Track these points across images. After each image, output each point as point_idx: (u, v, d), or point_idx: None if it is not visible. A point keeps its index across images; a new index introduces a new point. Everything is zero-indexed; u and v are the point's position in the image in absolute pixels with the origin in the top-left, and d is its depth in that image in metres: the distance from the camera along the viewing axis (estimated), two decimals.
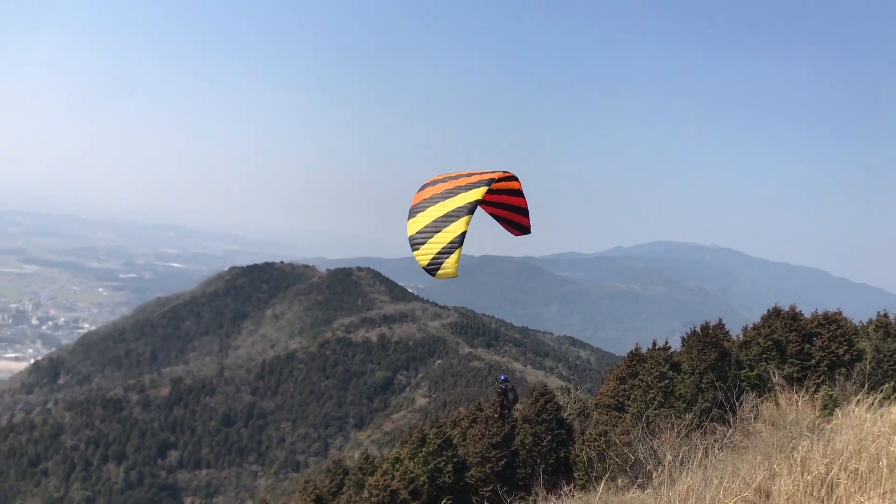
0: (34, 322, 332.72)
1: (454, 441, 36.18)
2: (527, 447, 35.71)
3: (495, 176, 18.67)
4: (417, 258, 15.43)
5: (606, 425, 31.90)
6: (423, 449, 35.39)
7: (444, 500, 31.20)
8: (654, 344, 34.58)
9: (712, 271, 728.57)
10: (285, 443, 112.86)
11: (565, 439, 36.27)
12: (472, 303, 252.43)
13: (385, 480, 32.24)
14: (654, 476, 14.17)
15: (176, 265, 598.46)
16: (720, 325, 30.95)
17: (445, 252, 15.25)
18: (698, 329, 30.75)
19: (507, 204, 21.48)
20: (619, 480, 16.78)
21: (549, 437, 35.56)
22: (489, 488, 33.57)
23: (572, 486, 21.50)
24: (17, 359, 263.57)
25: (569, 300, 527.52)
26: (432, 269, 15.05)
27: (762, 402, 21.89)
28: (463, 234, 15.06)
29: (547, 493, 21.56)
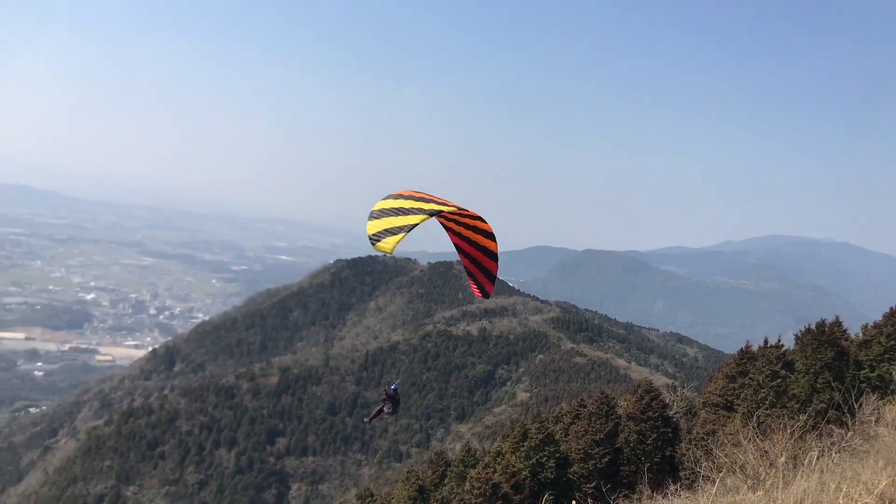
0: (152, 312, 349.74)
1: (556, 436, 35.99)
2: (631, 444, 35.18)
3: (464, 210, 19.92)
4: (368, 227, 18.03)
5: (714, 424, 31.03)
6: (525, 444, 35.38)
7: (546, 495, 31.11)
8: (766, 342, 33.38)
9: (828, 266, 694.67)
10: (388, 433, 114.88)
11: (671, 438, 35.52)
12: (575, 297, 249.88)
13: (487, 474, 32.41)
14: (765, 478, 13.71)
15: (284, 258, 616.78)
16: (837, 323, 29.56)
17: (391, 232, 17.78)
18: (813, 327, 29.47)
19: (478, 261, 22.71)
20: (729, 481, 16.32)
21: (655, 435, 34.90)
22: (592, 485, 33.25)
23: (678, 485, 21.01)
24: (136, 346, 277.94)
25: (675, 295, 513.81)
26: (373, 240, 17.61)
27: (885, 405, 20.81)
28: (413, 226, 17.82)
29: (652, 492, 21.14)
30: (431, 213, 18.45)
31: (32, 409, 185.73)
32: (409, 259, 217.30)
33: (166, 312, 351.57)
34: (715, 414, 32.16)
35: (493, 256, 21.37)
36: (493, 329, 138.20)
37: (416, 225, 18.19)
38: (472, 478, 32.61)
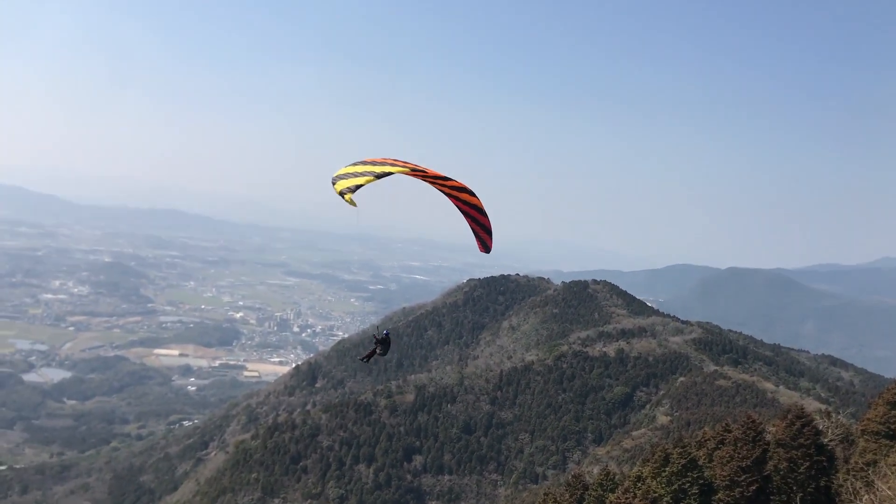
0: (295, 329, 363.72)
1: (700, 462, 34.49)
2: (781, 473, 33.20)
3: (427, 171, 23.57)
4: (335, 187, 22.29)
5: (875, 454, 28.86)
6: (667, 469, 34.10)
7: None
8: None
9: None
10: (524, 454, 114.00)
11: (826, 467, 33.25)
12: (718, 318, 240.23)
13: (627, 499, 31.46)
14: None
15: (419, 277, 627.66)
16: None
17: (350, 190, 22.05)
18: None
19: (472, 215, 26.01)
20: None
21: (807, 463, 32.78)
22: None
23: None
24: (280, 363, 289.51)
25: (828, 316, 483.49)
26: (341, 193, 21.76)
27: None
28: (367, 181, 21.99)
29: None
30: (381, 175, 22.65)
31: (186, 422, 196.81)
32: (543, 278, 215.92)
33: (308, 330, 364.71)
34: (875, 443, 29.94)
35: (484, 213, 26.04)
36: (632, 350, 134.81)
37: (369, 181, 22.39)
38: (611, 502, 31.76)
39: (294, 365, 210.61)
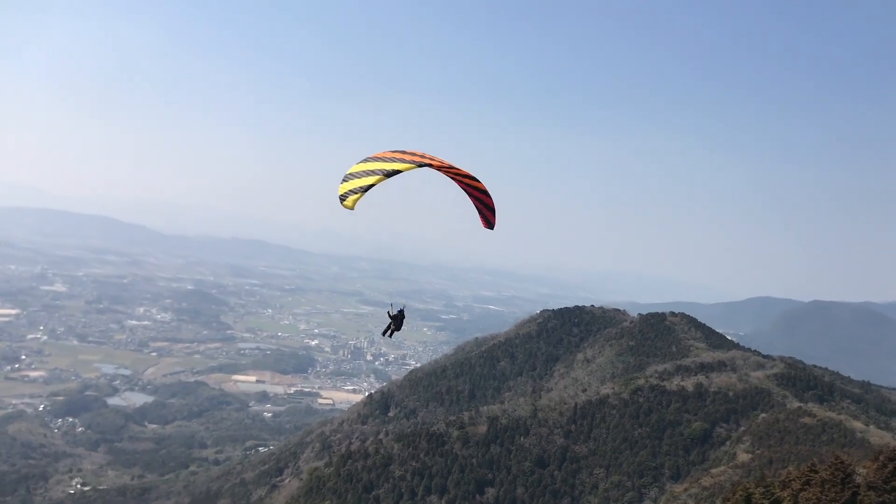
0: (368, 358, 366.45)
1: (783, 503, 33.00)
2: None
3: (437, 161, 26.33)
4: (339, 189, 23.94)
5: None
6: None
7: None
8: None
9: None
10: (598, 489, 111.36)
11: None
12: (801, 353, 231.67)
13: None
14: None
15: (492, 307, 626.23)
16: None
17: (354, 192, 23.51)
18: None
19: (476, 195, 28.69)
20: None
21: None
22: None
23: None
24: (354, 391, 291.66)
25: None
26: (341, 199, 23.34)
27: None
28: (371, 185, 23.69)
29: None
30: (388, 174, 24.50)
31: (261, 448, 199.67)
32: (619, 310, 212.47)
33: (381, 359, 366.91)
34: None
35: (489, 194, 29.07)
36: (711, 384, 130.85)
37: (374, 185, 24.06)
38: None
39: (367, 393, 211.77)
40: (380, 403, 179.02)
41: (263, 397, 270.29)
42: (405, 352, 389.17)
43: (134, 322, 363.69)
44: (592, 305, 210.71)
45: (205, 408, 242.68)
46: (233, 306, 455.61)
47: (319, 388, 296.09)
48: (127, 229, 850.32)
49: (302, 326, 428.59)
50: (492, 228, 30.50)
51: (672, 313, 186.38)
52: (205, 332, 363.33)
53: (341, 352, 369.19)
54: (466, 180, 28.23)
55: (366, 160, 25.04)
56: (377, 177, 23.75)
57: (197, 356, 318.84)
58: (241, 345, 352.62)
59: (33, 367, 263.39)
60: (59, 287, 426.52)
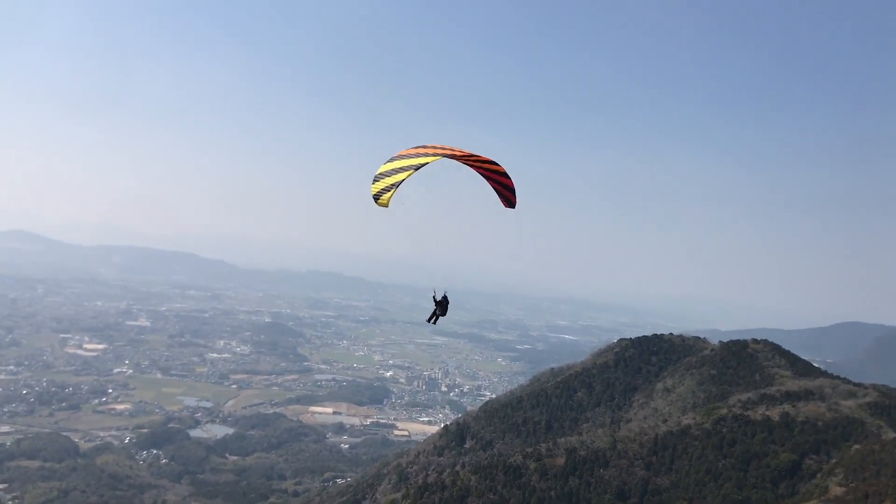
0: (443, 389, 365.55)
1: None
2: None
3: (460, 152, 28.10)
4: (372, 189, 25.28)
5: None
6: None
7: None
8: None
9: None
10: None
11: None
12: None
13: None
14: None
15: (567, 336, 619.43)
16: None
17: (387, 190, 24.69)
18: None
19: (494, 178, 30.28)
20: None
21: None
22: None
23: None
24: (429, 422, 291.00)
25: None
26: (374, 198, 24.61)
27: None
28: (402, 181, 24.74)
29: None
30: (417, 167, 25.65)
31: (339, 480, 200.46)
32: (699, 338, 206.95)
33: (456, 390, 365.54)
34: None
35: (508, 176, 30.74)
36: (798, 414, 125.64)
37: (404, 180, 25.23)
38: None
39: (443, 425, 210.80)
40: (456, 435, 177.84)
41: (340, 429, 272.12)
42: (480, 383, 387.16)
43: (215, 355, 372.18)
44: (671, 333, 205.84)
45: (283, 439, 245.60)
46: (309, 338, 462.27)
47: (395, 419, 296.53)
48: (208, 265, 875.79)
49: (377, 357, 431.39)
50: (513, 207, 32.08)
51: (754, 340, 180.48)
52: (282, 364, 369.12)
53: (416, 383, 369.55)
54: (486, 165, 29.82)
55: (391, 160, 26.64)
56: (407, 172, 25.23)
57: (275, 388, 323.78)
58: (318, 376, 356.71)
59: (119, 400, 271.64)
60: (144, 322, 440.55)
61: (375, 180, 25.42)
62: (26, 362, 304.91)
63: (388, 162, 26.53)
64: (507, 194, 31.66)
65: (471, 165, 29.75)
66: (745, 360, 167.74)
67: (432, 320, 36.55)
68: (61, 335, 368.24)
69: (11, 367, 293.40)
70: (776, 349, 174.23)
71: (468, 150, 28.81)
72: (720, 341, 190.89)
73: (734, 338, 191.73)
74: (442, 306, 35.56)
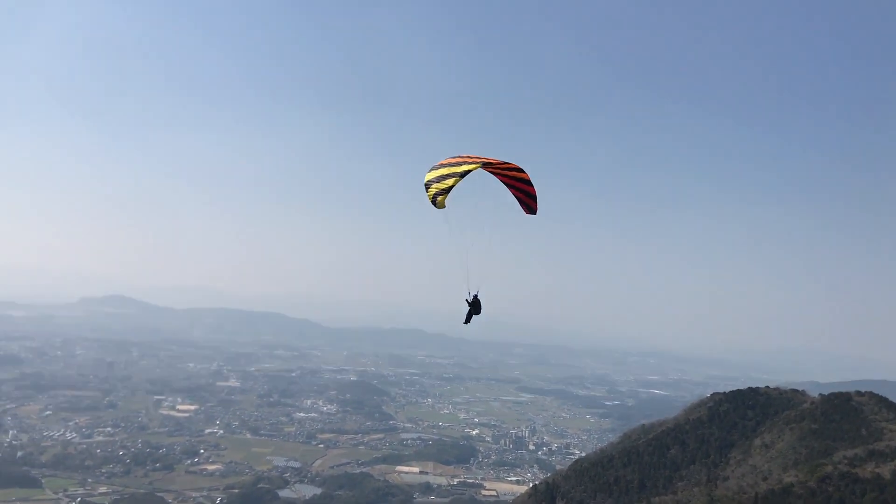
0: (531, 447, 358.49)
1: None
2: None
3: (493, 160, 29.82)
4: (427, 193, 27.33)
5: None
6: None
7: None
8: None
9: None
10: None
11: None
12: None
13: None
14: None
15: (658, 391, 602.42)
16: None
17: (440, 194, 26.94)
18: None
19: (517, 185, 32.50)
20: None
21: None
22: None
23: None
24: (517, 482, 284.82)
25: None
26: (432, 202, 26.79)
27: None
28: (452, 186, 27.13)
29: None
30: (463, 174, 28.10)
31: None
32: (797, 391, 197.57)
33: (544, 448, 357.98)
34: None
35: (529, 183, 32.01)
36: None
37: (454, 185, 27.81)
38: None
39: (531, 484, 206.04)
40: (545, 494, 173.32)
41: (427, 488, 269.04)
42: (569, 440, 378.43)
43: (302, 414, 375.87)
44: (767, 386, 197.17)
45: (371, 500, 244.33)
46: (394, 396, 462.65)
47: (482, 478, 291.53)
48: (295, 324, 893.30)
49: (462, 415, 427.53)
50: (534, 214, 33.39)
51: (859, 392, 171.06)
52: (368, 423, 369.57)
53: (503, 441, 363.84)
54: (513, 173, 31.81)
55: (434, 168, 29.20)
56: (454, 178, 27.85)
57: (362, 447, 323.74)
58: (404, 435, 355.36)
59: (211, 460, 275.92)
60: (234, 382, 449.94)
61: (427, 187, 27.96)
62: (122, 424, 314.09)
63: (431, 170, 29.08)
64: (528, 201, 33.12)
65: (500, 174, 31.73)
66: (849, 413, 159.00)
67: (467, 322, 36.66)
68: (155, 397, 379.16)
69: (109, 429, 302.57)
70: (883, 402, 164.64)
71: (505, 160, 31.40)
72: (820, 394, 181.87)
73: (836, 390, 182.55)
74: (475, 306, 35.40)
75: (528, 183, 31.99)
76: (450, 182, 27.48)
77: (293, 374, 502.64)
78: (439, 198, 27.21)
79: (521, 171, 31.76)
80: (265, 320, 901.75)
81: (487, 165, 30.70)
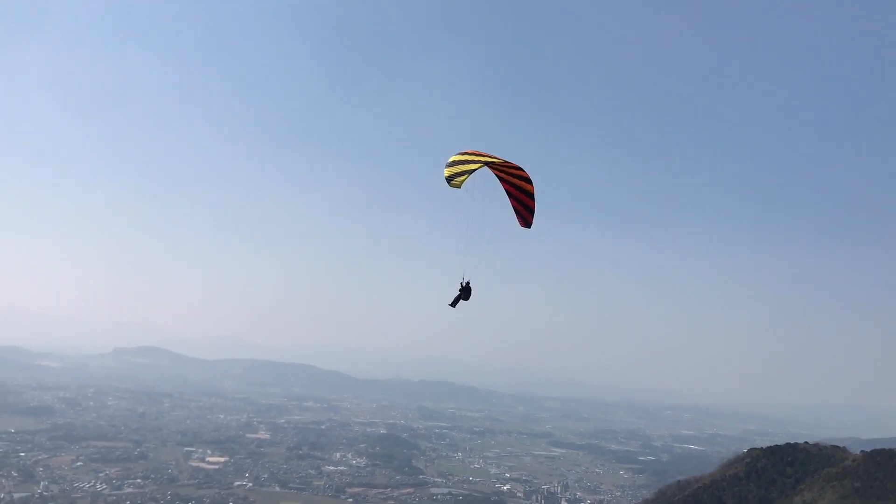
0: (563, 503, 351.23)
1: None
2: None
3: (498, 160, 31.64)
4: (445, 173, 28.49)
5: None
6: None
7: None
8: None
9: None
10: None
11: None
12: None
13: None
14: None
15: (693, 447, 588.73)
16: None
17: (459, 174, 27.79)
18: None
19: (516, 193, 33.38)
20: None
21: None
22: None
23: None
24: None
25: None
26: (448, 180, 27.69)
27: None
28: (472, 171, 28.11)
29: None
30: (486, 164, 29.13)
31: None
32: (838, 447, 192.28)
33: None
34: None
35: (531, 195, 32.01)
36: None
37: (475, 170, 28.80)
38: None
39: None
40: None
41: None
42: (602, 497, 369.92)
43: (331, 467, 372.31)
44: (806, 442, 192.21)
45: None
46: (423, 450, 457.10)
47: None
48: (324, 375, 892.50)
49: (493, 470, 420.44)
50: (529, 227, 33.96)
51: None
52: (398, 477, 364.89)
53: (535, 497, 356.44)
54: (518, 182, 32.30)
55: (460, 153, 29.84)
56: (477, 164, 28.90)
57: (391, 502, 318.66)
58: (434, 490, 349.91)
59: None
60: (264, 434, 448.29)
61: (449, 166, 28.90)
62: (153, 475, 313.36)
63: (457, 154, 29.71)
64: (525, 215, 33.58)
65: (504, 178, 32.27)
66: (892, 470, 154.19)
67: (454, 305, 36.51)
68: (185, 448, 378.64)
69: (139, 481, 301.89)
70: None
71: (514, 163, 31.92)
72: (862, 451, 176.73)
73: (878, 446, 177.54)
74: (466, 292, 36.13)
75: (530, 196, 32.24)
76: (473, 166, 28.41)
77: (323, 427, 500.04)
78: (458, 178, 27.93)
79: (529, 181, 31.98)
80: (295, 371, 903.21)
81: (494, 167, 31.33)
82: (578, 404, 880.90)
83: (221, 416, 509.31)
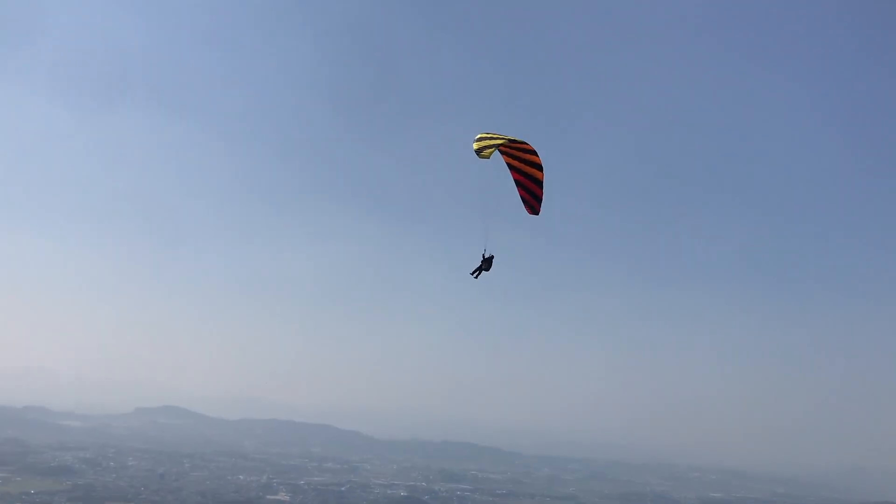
0: None
1: None
2: None
3: (525, 143, 33.14)
4: (474, 146, 30.23)
5: None
6: None
7: None
8: None
9: None
10: None
11: None
12: None
13: None
14: None
15: None
16: None
17: (487, 147, 29.78)
18: None
19: (523, 179, 34.18)
20: None
21: None
22: None
23: None
24: None
25: None
26: (477, 153, 29.54)
27: None
28: (497, 145, 30.49)
29: None
30: (510, 140, 30.63)
31: None
32: None
33: None
34: None
35: (540, 183, 33.38)
36: None
37: (501, 143, 30.49)
38: None
39: None
40: None
41: None
42: None
43: None
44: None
45: None
46: None
47: None
48: (344, 436, 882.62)
49: None
50: (536, 214, 34.67)
51: None
52: None
53: None
54: (529, 169, 33.16)
55: (485, 132, 31.27)
56: (503, 139, 30.40)
57: None
58: None
59: None
60: (283, 496, 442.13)
61: (477, 140, 30.48)
62: None
63: (483, 132, 31.38)
64: (532, 202, 34.27)
65: (514, 166, 33.29)
66: None
67: (475, 274, 37.60)
68: None
69: None
70: None
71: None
72: None
73: None
74: (488, 262, 37.20)
75: (539, 183, 33.12)
76: (499, 140, 29.98)
77: (342, 489, 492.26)
78: (486, 150, 29.38)
79: (540, 168, 32.89)
80: (315, 432, 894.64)
81: (507, 150, 32.27)
82: (604, 466, 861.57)
83: (241, 477, 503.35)
